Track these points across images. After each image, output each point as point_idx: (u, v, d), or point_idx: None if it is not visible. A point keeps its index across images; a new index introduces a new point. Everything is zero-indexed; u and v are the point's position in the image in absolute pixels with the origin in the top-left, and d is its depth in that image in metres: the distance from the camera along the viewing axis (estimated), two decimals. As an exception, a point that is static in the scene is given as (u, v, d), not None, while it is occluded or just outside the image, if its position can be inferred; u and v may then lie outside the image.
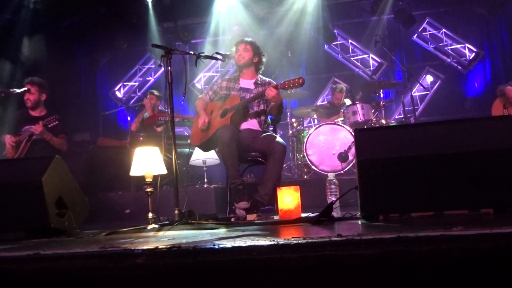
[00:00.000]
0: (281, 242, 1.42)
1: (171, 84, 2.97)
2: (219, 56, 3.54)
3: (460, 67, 7.83)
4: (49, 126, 4.32)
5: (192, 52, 3.33)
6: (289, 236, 1.57)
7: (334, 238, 1.42)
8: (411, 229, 1.58)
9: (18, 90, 4.40)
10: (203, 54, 3.35)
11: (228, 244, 1.46)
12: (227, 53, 3.75)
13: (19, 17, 6.43)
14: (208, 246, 1.46)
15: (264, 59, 3.82)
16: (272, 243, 1.43)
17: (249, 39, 3.80)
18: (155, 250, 1.48)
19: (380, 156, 2.25)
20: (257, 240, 1.55)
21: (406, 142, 2.31)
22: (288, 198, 2.59)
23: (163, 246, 1.49)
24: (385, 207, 2.25)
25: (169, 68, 2.98)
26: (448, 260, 1.34)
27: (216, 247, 1.45)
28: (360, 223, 2.19)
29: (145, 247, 1.50)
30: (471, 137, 2.27)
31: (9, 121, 4.54)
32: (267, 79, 3.82)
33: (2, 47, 5.99)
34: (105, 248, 1.56)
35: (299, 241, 1.41)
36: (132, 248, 1.52)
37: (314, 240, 1.41)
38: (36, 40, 6.51)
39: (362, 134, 2.41)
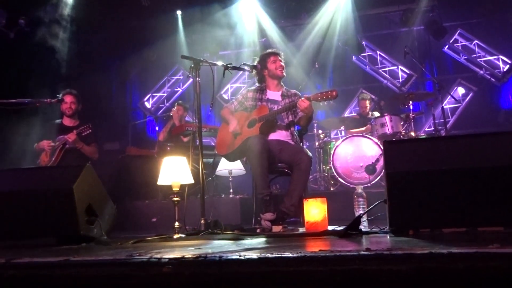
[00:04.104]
0: (308, 255, 1.40)
1: (199, 94, 3.01)
2: (246, 67, 3.57)
3: (493, 79, 7.61)
4: (83, 134, 4.44)
5: (220, 63, 3.36)
6: (316, 249, 1.54)
7: (362, 252, 1.38)
8: (444, 245, 1.53)
9: (53, 100, 4.54)
10: (231, 65, 3.38)
11: (254, 255, 1.45)
12: (255, 64, 3.78)
13: (54, 29, 6.67)
14: (234, 257, 1.44)
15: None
16: (299, 255, 1.41)
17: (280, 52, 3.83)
18: (182, 259, 1.48)
19: (409, 169, 2.20)
20: (284, 252, 1.53)
21: (436, 155, 2.25)
22: (315, 210, 2.55)
23: (190, 256, 1.49)
24: (415, 222, 2.19)
25: (197, 79, 3.01)
26: (485, 279, 1.28)
27: (242, 257, 1.43)
28: (389, 237, 2.13)
29: (171, 256, 1.51)
30: (506, 151, 2.19)
31: (41, 131, 4.68)
32: (293, 91, 3.82)
33: (37, 59, 6.22)
34: (132, 256, 1.57)
35: (327, 254, 1.39)
36: (159, 256, 1.52)
37: (342, 254, 1.38)
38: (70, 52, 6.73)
39: (391, 146, 2.36)
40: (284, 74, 3.75)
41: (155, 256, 1.55)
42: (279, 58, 3.74)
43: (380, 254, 1.36)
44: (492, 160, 2.16)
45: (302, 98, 3.38)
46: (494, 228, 2.15)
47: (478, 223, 2.15)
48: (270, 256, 1.43)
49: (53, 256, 1.77)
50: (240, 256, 1.44)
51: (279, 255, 1.42)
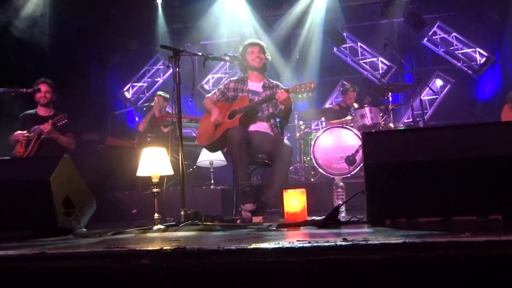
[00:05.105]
0: (286, 245, 1.42)
1: (179, 85, 2.98)
2: (227, 58, 3.55)
3: (470, 72, 7.75)
4: (58, 124, 4.35)
5: (200, 54, 3.33)
6: (294, 239, 1.56)
7: (339, 242, 1.41)
8: (418, 235, 1.57)
9: (28, 90, 4.44)
10: (211, 56, 3.36)
11: (232, 246, 1.46)
12: (236, 54, 3.75)
13: (30, 17, 6.49)
14: (212, 248, 1.45)
15: (268, 62, 3.81)
16: (277, 246, 1.42)
17: (261, 42, 3.79)
18: (160, 251, 1.48)
19: (387, 160, 2.24)
20: (262, 242, 1.54)
21: (414, 147, 2.29)
22: (294, 201, 2.57)
23: (168, 247, 1.49)
24: (392, 212, 2.24)
25: (177, 69, 2.98)
26: (456, 267, 1.32)
27: (221, 249, 1.44)
28: (366, 227, 2.17)
29: (150, 248, 1.51)
30: (481, 143, 2.25)
31: (17, 122, 4.57)
32: (275, 82, 3.81)
33: (13, 47, 6.05)
34: (110, 248, 1.56)
35: (304, 245, 1.41)
36: (137, 248, 1.52)
37: (319, 244, 1.40)
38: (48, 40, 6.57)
39: (369, 137, 2.40)
40: (261, 65, 3.68)
41: (134, 247, 1.54)
42: (258, 49, 3.69)
43: (356, 244, 1.39)
44: (467, 151, 2.21)
45: (281, 90, 3.38)
46: (467, 218, 2.21)
47: (452, 212, 2.21)
48: (249, 247, 1.44)
49: (29, 249, 1.75)
50: (218, 247, 1.45)
51: (257, 246, 1.43)
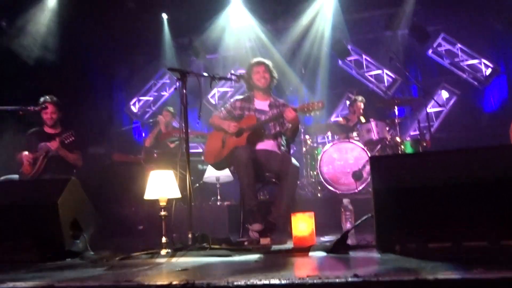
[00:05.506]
0: (297, 282, 1.40)
1: (186, 107, 2.98)
2: (233, 77, 3.57)
3: (476, 83, 7.71)
4: (66, 142, 4.37)
5: (206, 74, 3.34)
6: (304, 272, 1.54)
7: (350, 279, 1.39)
8: (430, 268, 1.55)
9: (36, 108, 4.47)
10: (217, 76, 3.37)
11: (242, 282, 1.45)
12: (241, 73, 3.77)
13: (36, 31, 6.56)
14: (222, 284, 1.44)
15: (275, 80, 3.81)
16: (288, 282, 1.41)
17: (267, 61, 3.79)
18: (169, 286, 1.47)
19: (396, 185, 2.22)
20: (272, 276, 1.52)
21: (423, 171, 2.27)
22: (303, 225, 2.55)
23: (177, 283, 1.48)
24: (402, 237, 2.20)
25: (184, 91, 2.99)
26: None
27: (230, 285, 1.43)
28: (376, 253, 2.14)
29: (158, 283, 1.49)
30: (490, 166, 2.22)
31: (24, 140, 4.60)
32: (281, 101, 3.82)
33: (17, 62, 6.10)
34: (119, 282, 1.55)
35: (315, 281, 1.39)
36: (146, 283, 1.51)
37: (330, 281, 1.39)
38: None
39: (377, 162, 2.38)
40: (266, 85, 3.70)
41: (142, 283, 1.53)
42: (263, 68, 3.71)
43: (368, 281, 1.37)
44: (476, 175, 2.19)
45: (289, 109, 3.39)
46: (478, 243, 2.18)
47: (463, 238, 2.18)
48: (258, 283, 1.42)
49: (37, 280, 1.74)
50: (228, 283, 1.44)
51: (267, 282, 1.42)
